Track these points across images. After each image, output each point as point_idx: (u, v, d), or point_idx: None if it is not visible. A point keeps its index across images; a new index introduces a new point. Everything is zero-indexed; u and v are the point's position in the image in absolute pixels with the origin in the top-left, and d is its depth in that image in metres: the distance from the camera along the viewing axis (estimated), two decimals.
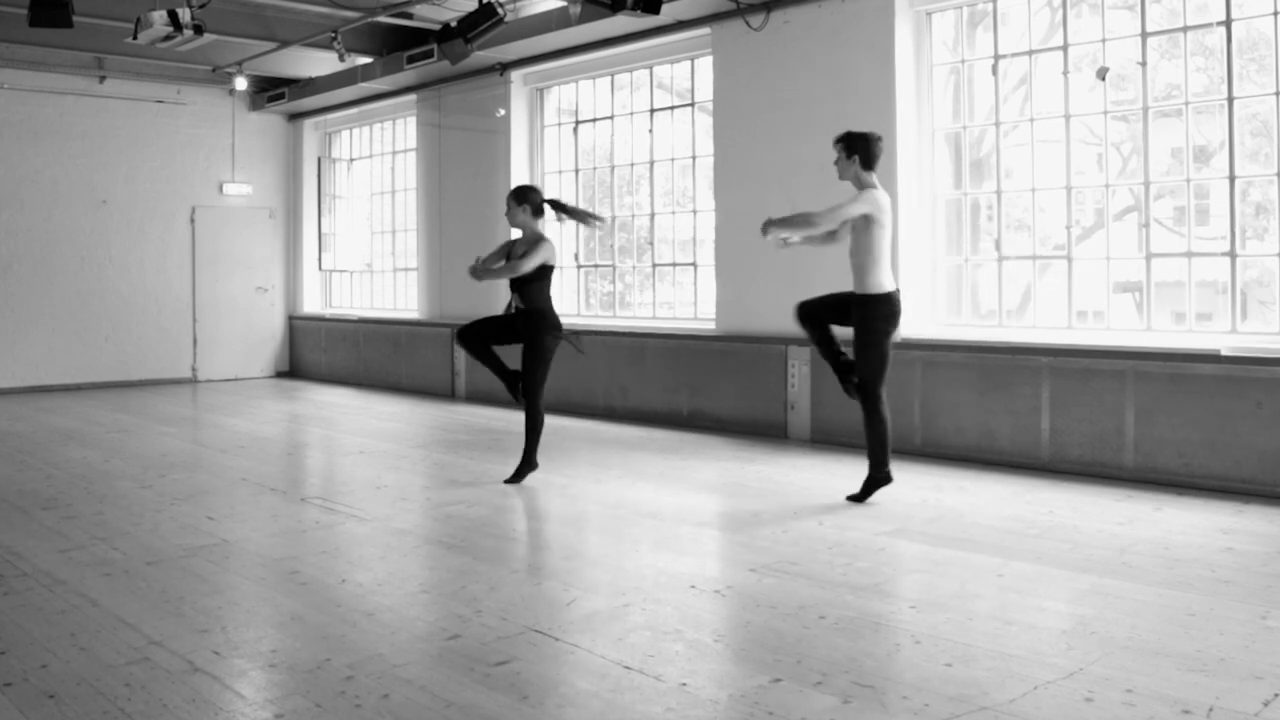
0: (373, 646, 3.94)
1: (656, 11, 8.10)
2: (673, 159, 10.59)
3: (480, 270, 6.81)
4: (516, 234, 7.22)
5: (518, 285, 6.86)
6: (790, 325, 9.05)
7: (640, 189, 10.84)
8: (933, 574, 4.91)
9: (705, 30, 9.52)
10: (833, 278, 8.65)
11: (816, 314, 6.46)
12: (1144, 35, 7.23)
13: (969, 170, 8.34)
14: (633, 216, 10.95)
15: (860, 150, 6.21)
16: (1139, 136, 7.41)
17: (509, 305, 7.00)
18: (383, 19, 10.33)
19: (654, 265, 10.75)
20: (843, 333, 6.41)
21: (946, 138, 8.40)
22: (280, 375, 14.91)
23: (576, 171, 11.45)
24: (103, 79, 13.10)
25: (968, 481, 6.94)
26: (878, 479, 6.28)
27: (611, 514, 6.24)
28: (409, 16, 10.41)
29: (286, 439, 9.76)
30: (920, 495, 6.45)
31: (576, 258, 11.45)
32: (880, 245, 6.15)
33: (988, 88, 8.16)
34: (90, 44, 11.41)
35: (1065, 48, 7.62)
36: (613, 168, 11.06)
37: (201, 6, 8.66)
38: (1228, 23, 6.84)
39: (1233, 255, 6.87)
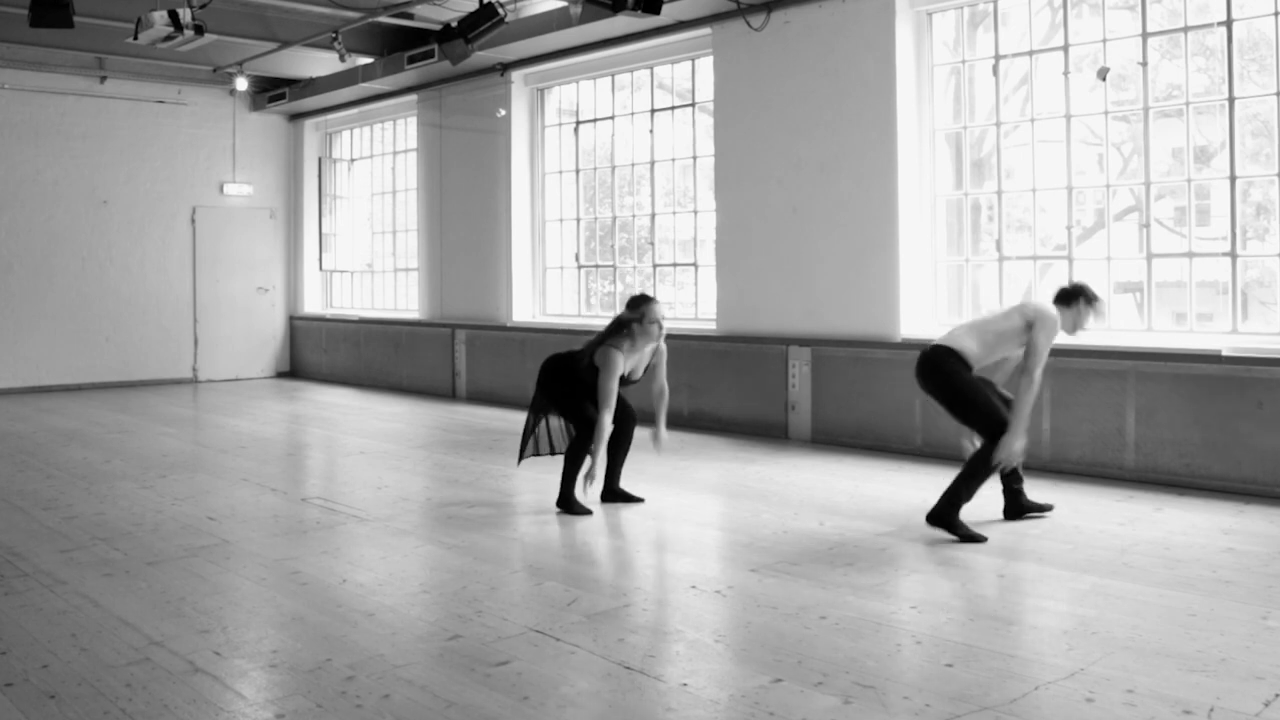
0: (373, 647, 3.95)
1: (657, 12, 8.10)
2: (673, 159, 10.59)
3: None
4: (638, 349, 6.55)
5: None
6: (790, 325, 9.11)
7: (641, 189, 10.84)
8: (933, 574, 4.91)
9: (706, 30, 9.51)
10: (833, 277, 8.69)
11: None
12: (1145, 35, 7.23)
13: (970, 170, 8.34)
14: (633, 217, 10.95)
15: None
16: (1140, 137, 7.41)
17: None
18: (383, 19, 10.33)
19: (654, 265, 10.74)
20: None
21: (947, 138, 8.40)
22: (281, 376, 14.91)
23: (577, 172, 11.45)
24: (103, 79, 13.10)
25: None
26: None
27: (612, 514, 6.24)
28: (409, 17, 10.41)
29: (287, 439, 9.76)
30: (921, 495, 6.44)
31: (577, 258, 11.44)
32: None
33: (988, 88, 8.16)
34: (91, 44, 11.41)
35: (1066, 48, 7.61)
36: (613, 168, 11.06)
37: (202, 6, 8.65)
38: (1228, 23, 6.83)
39: (1233, 255, 6.86)
